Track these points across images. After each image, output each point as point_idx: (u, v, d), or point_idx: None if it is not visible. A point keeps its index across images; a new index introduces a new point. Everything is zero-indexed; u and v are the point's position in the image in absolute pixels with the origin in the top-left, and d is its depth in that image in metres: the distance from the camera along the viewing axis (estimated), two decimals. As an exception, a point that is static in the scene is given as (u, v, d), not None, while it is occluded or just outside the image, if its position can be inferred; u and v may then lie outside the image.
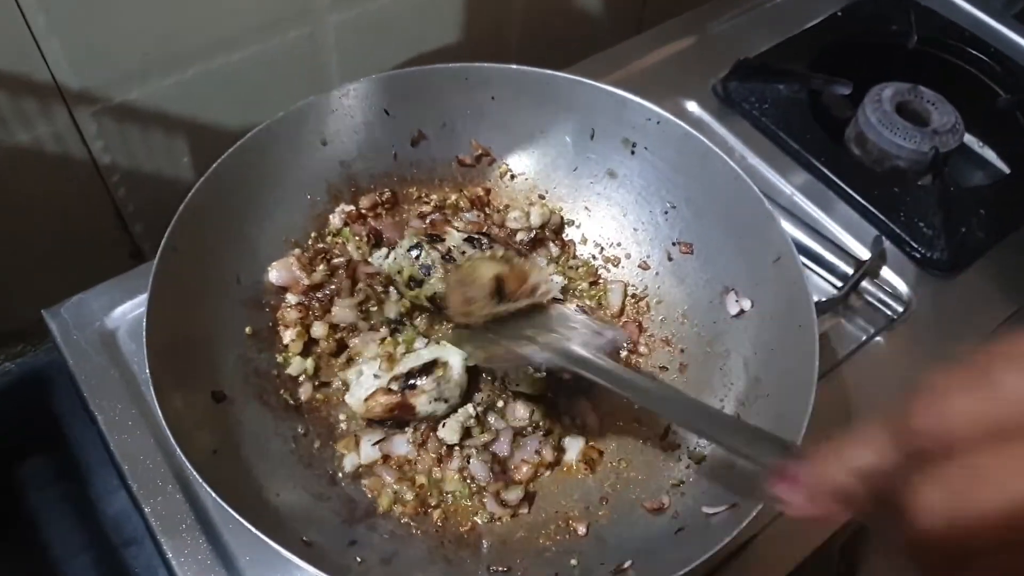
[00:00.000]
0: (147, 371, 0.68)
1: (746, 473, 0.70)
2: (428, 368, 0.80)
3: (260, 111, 0.87)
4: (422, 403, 0.79)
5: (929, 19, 1.31)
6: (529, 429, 0.82)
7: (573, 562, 0.73)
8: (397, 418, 0.81)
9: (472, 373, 0.83)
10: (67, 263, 1.06)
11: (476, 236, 0.87)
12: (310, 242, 0.90)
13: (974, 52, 1.27)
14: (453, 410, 0.81)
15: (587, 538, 0.76)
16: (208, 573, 0.74)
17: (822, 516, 0.40)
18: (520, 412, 0.82)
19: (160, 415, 0.66)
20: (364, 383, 0.81)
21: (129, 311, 0.89)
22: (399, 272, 0.85)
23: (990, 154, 1.26)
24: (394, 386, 0.79)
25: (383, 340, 0.85)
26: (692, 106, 1.17)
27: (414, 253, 0.84)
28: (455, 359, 0.81)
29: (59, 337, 0.86)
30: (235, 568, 0.74)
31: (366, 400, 0.80)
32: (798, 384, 0.72)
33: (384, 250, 0.88)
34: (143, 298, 0.75)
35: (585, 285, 0.94)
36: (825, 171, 1.09)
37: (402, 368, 0.81)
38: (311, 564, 0.62)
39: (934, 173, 1.10)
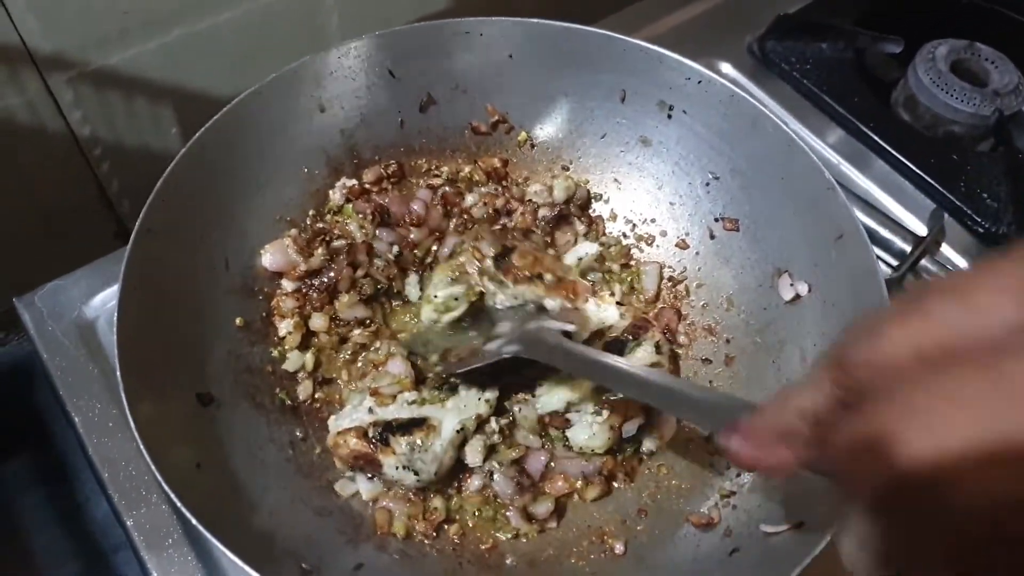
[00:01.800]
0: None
1: (811, 485, 0.61)
2: (410, 427, 0.69)
3: (253, 77, 0.81)
4: (389, 464, 0.69)
5: (985, -30, 1.22)
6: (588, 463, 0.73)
7: (610, 586, 0.66)
8: (362, 467, 0.71)
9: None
10: (47, 245, 1.00)
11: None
12: (308, 221, 0.83)
13: (1036, 5, 1.18)
14: (424, 488, 0.70)
15: (625, 558, 0.69)
16: (196, 595, 0.68)
17: (770, 463, 0.40)
18: (581, 437, 0.71)
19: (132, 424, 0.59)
20: (351, 413, 0.71)
21: (110, 299, 0.83)
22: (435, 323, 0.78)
23: (1044, 118, 1.17)
24: (372, 432, 0.69)
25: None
26: (726, 67, 1.10)
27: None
28: (447, 425, 0.70)
29: (32, 328, 0.81)
30: (226, 588, 0.68)
31: (338, 434, 0.70)
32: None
33: (414, 277, 0.82)
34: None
35: (616, 267, 0.86)
36: (875, 138, 1.01)
37: (386, 414, 0.70)
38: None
39: (998, 138, 1.01)
